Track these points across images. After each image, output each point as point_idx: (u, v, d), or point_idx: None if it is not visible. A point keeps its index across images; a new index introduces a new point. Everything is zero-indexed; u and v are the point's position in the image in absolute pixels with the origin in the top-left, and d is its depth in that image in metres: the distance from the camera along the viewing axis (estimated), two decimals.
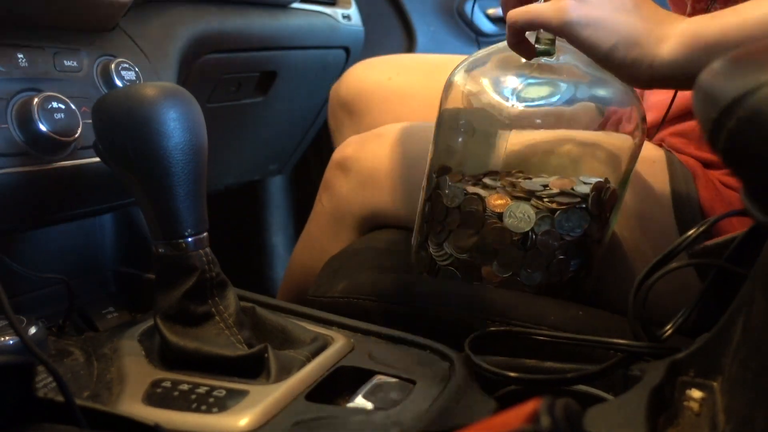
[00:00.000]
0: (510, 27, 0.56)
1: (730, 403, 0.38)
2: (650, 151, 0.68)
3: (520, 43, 0.58)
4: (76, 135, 0.55)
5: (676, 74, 0.51)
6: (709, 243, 0.49)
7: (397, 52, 1.12)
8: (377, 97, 0.94)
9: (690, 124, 0.68)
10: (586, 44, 0.53)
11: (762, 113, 0.26)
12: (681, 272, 0.60)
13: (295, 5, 0.99)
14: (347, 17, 1.12)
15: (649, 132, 0.73)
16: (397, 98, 0.92)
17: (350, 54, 1.14)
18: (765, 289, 0.36)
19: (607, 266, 0.65)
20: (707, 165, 0.66)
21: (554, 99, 0.60)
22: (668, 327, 0.49)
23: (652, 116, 0.72)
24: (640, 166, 0.66)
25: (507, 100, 0.59)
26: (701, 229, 0.49)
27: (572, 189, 0.60)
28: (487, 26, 1.39)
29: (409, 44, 1.33)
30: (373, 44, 1.21)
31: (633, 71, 0.53)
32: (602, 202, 0.60)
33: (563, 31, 0.53)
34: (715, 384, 0.41)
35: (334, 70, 1.15)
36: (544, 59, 0.59)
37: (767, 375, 0.33)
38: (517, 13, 0.55)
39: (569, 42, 0.54)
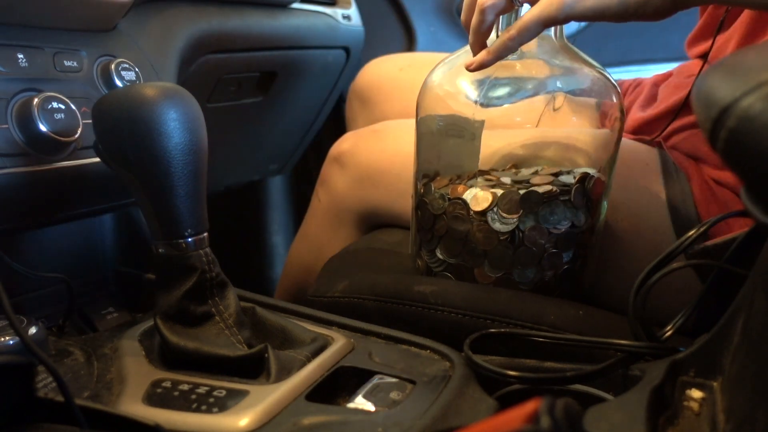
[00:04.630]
0: (508, 42, 0.54)
1: (730, 403, 0.38)
2: (644, 152, 0.68)
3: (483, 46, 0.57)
4: (76, 135, 0.55)
5: None
6: (709, 243, 0.49)
7: (397, 52, 1.12)
8: (388, 87, 0.97)
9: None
10: (597, 12, 0.52)
11: (762, 113, 0.26)
12: (681, 273, 0.60)
13: (295, 5, 0.99)
14: (347, 17, 1.12)
15: (654, 129, 0.73)
16: (408, 88, 0.95)
17: (350, 54, 1.14)
18: (765, 290, 0.36)
19: (604, 267, 0.65)
20: (700, 160, 0.66)
21: (520, 95, 0.60)
22: (668, 327, 0.49)
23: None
24: (633, 168, 0.66)
25: (474, 101, 0.59)
26: (701, 230, 0.49)
27: (555, 178, 0.60)
28: None
29: (409, 44, 1.33)
30: (373, 44, 1.22)
31: (653, 5, 0.51)
32: (586, 192, 0.60)
33: (569, 16, 0.52)
34: (715, 384, 0.41)
35: (334, 70, 1.15)
36: (509, 56, 0.59)
37: (767, 375, 0.33)
38: (518, 29, 0.54)
39: (580, 21, 0.53)
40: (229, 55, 0.88)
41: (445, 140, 0.63)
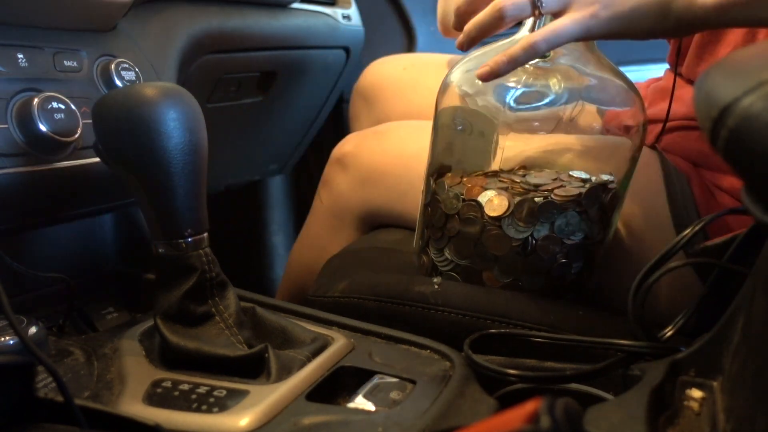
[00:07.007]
0: (524, 54, 0.53)
1: (730, 402, 0.38)
2: (644, 154, 0.68)
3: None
4: (76, 135, 0.55)
5: (711, 17, 0.50)
6: (709, 243, 0.49)
7: (397, 52, 1.12)
8: (391, 86, 0.98)
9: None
10: (617, 31, 0.52)
11: (763, 112, 0.26)
12: (682, 273, 0.60)
13: (295, 5, 0.99)
14: (347, 17, 1.12)
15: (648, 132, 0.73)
16: (410, 88, 0.95)
17: (350, 54, 1.14)
18: (765, 289, 0.36)
19: (607, 269, 0.65)
20: (698, 164, 0.66)
21: (549, 102, 0.59)
22: (669, 328, 0.49)
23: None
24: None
25: (503, 104, 0.58)
26: (696, 228, 0.49)
27: (574, 188, 0.60)
28: None
29: (409, 44, 1.33)
30: (373, 44, 1.22)
31: (672, 22, 0.51)
32: (602, 204, 0.60)
33: (589, 35, 0.52)
34: (715, 384, 0.41)
35: (334, 70, 1.15)
36: (540, 62, 0.58)
37: (767, 375, 0.33)
38: (530, 43, 0.52)
39: (603, 39, 0.53)
40: (229, 55, 0.88)
41: (463, 134, 0.62)
